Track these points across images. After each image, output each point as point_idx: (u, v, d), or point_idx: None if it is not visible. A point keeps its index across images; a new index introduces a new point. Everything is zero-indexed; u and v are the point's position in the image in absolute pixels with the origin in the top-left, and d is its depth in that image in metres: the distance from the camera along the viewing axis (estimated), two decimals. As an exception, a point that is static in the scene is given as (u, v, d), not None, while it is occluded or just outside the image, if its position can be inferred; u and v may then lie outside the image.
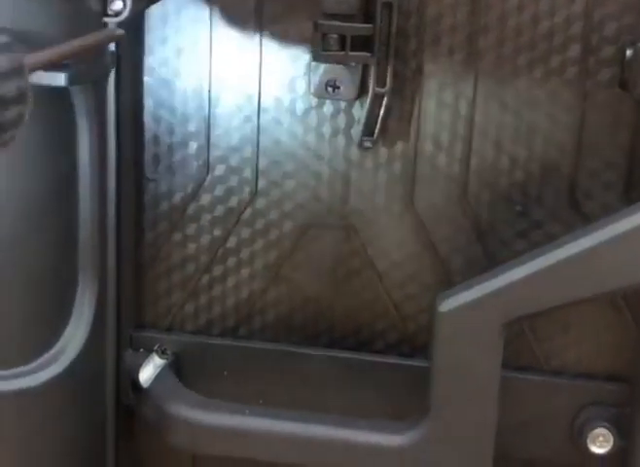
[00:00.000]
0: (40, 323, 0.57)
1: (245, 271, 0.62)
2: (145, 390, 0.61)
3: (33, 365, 0.57)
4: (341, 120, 0.59)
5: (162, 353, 0.63)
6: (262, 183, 0.61)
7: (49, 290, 0.57)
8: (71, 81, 0.53)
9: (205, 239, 0.62)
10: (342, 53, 0.55)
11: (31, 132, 0.54)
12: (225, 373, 0.62)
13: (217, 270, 0.63)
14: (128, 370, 0.62)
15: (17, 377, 0.56)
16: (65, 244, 0.57)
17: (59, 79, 0.52)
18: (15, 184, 0.55)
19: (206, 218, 0.62)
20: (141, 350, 0.63)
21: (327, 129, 0.59)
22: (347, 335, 0.62)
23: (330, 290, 0.62)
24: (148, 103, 0.60)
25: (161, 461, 0.64)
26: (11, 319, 0.56)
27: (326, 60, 0.56)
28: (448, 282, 0.59)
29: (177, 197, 0.62)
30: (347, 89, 0.57)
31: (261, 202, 0.61)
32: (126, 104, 0.59)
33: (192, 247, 0.63)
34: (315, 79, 0.58)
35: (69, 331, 0.58)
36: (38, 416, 0.57)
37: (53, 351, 0.58)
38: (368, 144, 0.57)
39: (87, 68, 0.54)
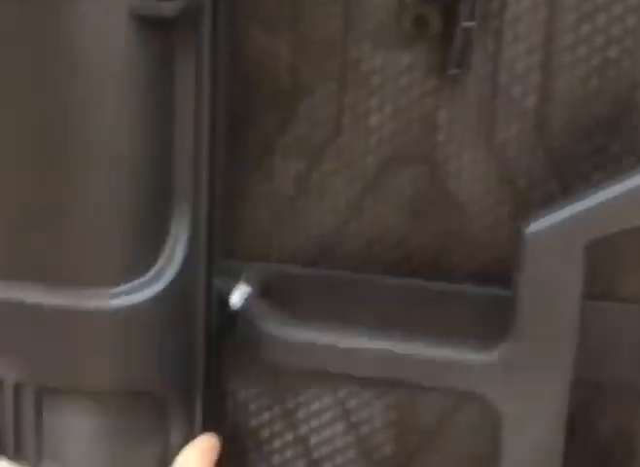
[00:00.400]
0: (139, 243, 0.60)
1: (328, 204, 0.66)
2: (236, 312, 0.64)
3: (135, 283, 0.60)
4: (427, 54, 0.62)
5: (249, 280, 0.66)
6: (346, 118, 0.64)
7: (148, 211, 0.60)
8: (179, 12, 0.56)
9: (291, 173, 0.66)
10: (432, -12, 0.58)
11: (132, 67, 0.57)
12: (307, 300, 0.66)
13: (301, 203, 0.66)
14: (218, 295, 0.65)
15: (119, 295, 0.60)
16: (162, 168, 0.61)
17: (173, 5, 0.55)
18: (114, 108, 0.58)
19: (292, 151, 0.65)
20: (228, 278, 0.66)
21: (412, 63, 0.62)
22: (426, 264, 0.65)
23: (409, 221, 0.65)
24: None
25: (248, 378, 0.67)
26: (114, 238, 0.59)
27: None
28: (526, 214, 0.61)
29: (264, 132, 0.65)
30: (435, 23, 0.60)
31: (345, 137, 0.64)
32: (222, 42, 0.62)
33: (278, 180, 0.66)
34: (404, 15, 0.61)
35: (167, 252, 0.61)
36: (138, 333, 0.60)
37: (152, 271, 0.61)
38: (453, 77, 0.60)
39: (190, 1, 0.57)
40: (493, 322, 0.60)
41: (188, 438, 0.64)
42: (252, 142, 0.65)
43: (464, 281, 0.64)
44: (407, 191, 0.64)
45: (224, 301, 0.66)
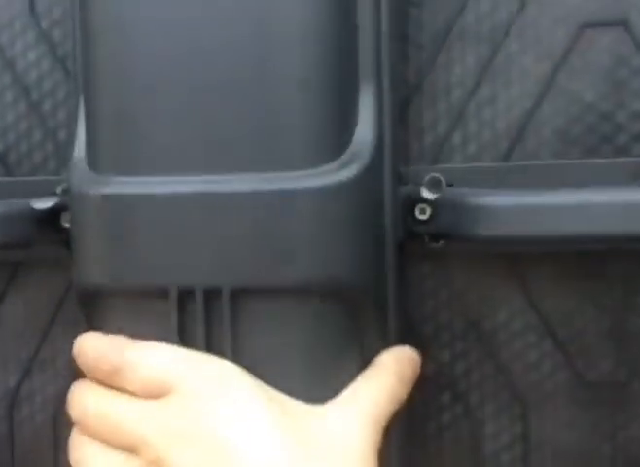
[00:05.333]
0: (329, 126, 0.55)
1: (516, 89, 0.60)
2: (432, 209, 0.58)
3: (333, 164, 0.54)
4: None
5: (436, 185, 0.60)
6: (530, -10, 0.59)
7: (335, 94, 0.55)
8: None
9: (471, 60, 0.61)
10: None
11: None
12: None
13: (484, 92, 0.61)
14: (404, 200, 0.59)
15: (317, 175, 0.54)
16: (348, 53, 0.56)
17: None
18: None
19: (471, 35, 0.60)
20: (412, 183, 0.60)
21: None
22: (634, 140, 0.59)
23: (612, 94, 0.59)
24: None
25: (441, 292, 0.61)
26: (309, 118, 0.54)
27: None
28: None
29: (438, 16, 0.60)
30: None
31: (530, 11, 0.59)
32: None
33: (457, 71, 0.61)
34: None
35: (358, 136, 0.56)
36: (338, 214, 0.54)
37: (345, 155, 0.55)
38: None
39: None
40: None
41: (382, 348, 0.57)
42: (426, 27, 0.61)
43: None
44: (605, 61, 0.59)
45: (411, 206, 0.60)
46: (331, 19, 0.55)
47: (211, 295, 0.54)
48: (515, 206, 0.55)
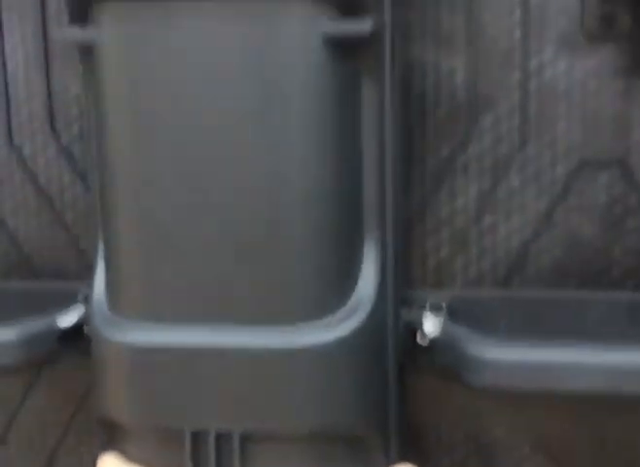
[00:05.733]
0: (334, 279, 0.58)
1: (516, 220, 0.63)
2: (432, 341, 0.61)
3: (333, 319, 0.58)
4: (615, 55, 0.59)
5: (437, 309, 0.63)
6: (532, 128, 0.61)
7: (340, 248, 0.59)
8: (373, 29, 0.54)
9: (474, 190, 0.63)
10: None
11: (324, 98, 0.56)
12: (502, 323, 0.63)
13: (487, 221, 0.63)
14: (406, 326, 0.63)
15: (317, 330, 0.57)
16: (351, 205, 0.59)
17: (364, 25, 0.53)
18: (306, 137, 0.56)
19: (474, 169, 0.63)
20: (414, 307, 0.63)
21: (599, 68, 0.60)
22: (627, 275, 0.62)
23: (606, 231, 0.62)
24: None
25: (441, 404, 0.65)
26: (310, 275, 0.57)
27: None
28: None
29: (443, 152, 0.62)
30: (624, 22, 0.58)
31: (531, 148, 0.62)
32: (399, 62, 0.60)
33: (460, 200, 0.63)
34: (588, 16, 0.59)
35: (361, 286, 0.59)
36: (340, 364, 0.58)
37: (348, 306, 0.58)
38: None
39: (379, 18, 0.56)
40: None
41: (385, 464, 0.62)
42: (430, 164, 0.63)
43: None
44: (601, 198, 0.61)
45: (412, 331, 0.63)
46: (335, 176, 0.57)
47: (223, 438, 0.57)
48: (508, 360, 0.58)
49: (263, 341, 0.56)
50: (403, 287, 0.63)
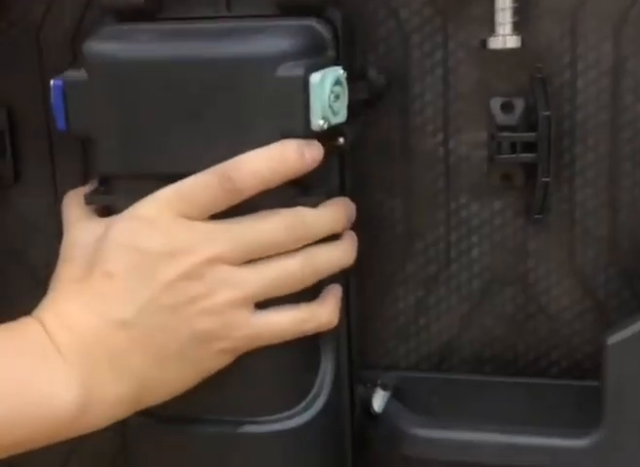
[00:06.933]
0: (297, 372, 0.76)
1: (445, 321, 0.81)
2: (378, 416, 0.79)
3: (298, 408, 0.74)
4: (514, 201, 0.77)
5: (385, 387, 0.81)
6: (453, 253, 0.79)
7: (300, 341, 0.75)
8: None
9: (411, 299, 0.81)
10: (514, 155, 0.73)
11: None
12: (435, 399, 0.81)
13: (422, 321, 0.82)
14: (360, 402, 0.81)
15: (282, 419, 0.73)
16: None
17: None
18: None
19: (411, 282, 0.81)
20: (368, 385, 0.82)
21: (502, 209, 0.77)
22: (528, 365, 0.80)
23: (512, 331, 0.80)
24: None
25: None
26: (275, 370, 0.74)
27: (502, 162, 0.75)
28: (607, 322, 0.76)
29: (387, 270, 0.81)
30: (519, 179, 0.76)
31: (454, 267, 0.80)
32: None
33: (401, 305, 0.82)
34: (493, 173, 0.76)
35: (321, 375, 0.77)
36: (300, 451, 0.74)
37: (311, 395, 0.76)
38: (537, 220, 0.75)
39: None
40: (585, 413, 0.74)
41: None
42: (376, 278, 0.82)
43: (560, 376, 0.79)
44: (507, 307, 0.79)
45: (366, 408, 0.81)
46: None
47: None
48: (438, 438, 0.77)
49: (229, 430, 0.71)
50: (358, 370, 0.82)
